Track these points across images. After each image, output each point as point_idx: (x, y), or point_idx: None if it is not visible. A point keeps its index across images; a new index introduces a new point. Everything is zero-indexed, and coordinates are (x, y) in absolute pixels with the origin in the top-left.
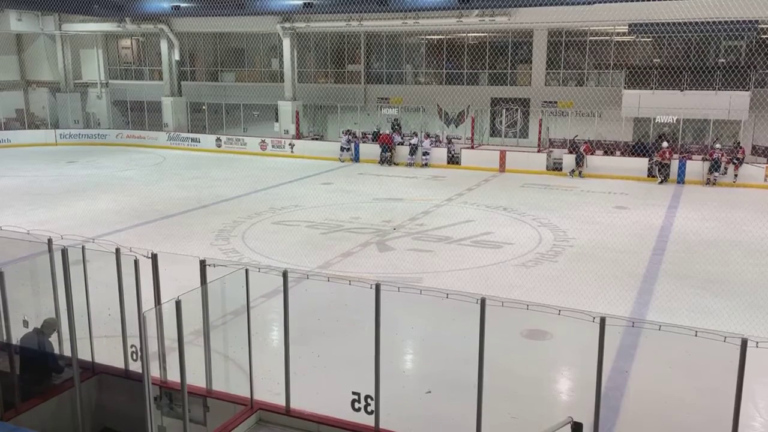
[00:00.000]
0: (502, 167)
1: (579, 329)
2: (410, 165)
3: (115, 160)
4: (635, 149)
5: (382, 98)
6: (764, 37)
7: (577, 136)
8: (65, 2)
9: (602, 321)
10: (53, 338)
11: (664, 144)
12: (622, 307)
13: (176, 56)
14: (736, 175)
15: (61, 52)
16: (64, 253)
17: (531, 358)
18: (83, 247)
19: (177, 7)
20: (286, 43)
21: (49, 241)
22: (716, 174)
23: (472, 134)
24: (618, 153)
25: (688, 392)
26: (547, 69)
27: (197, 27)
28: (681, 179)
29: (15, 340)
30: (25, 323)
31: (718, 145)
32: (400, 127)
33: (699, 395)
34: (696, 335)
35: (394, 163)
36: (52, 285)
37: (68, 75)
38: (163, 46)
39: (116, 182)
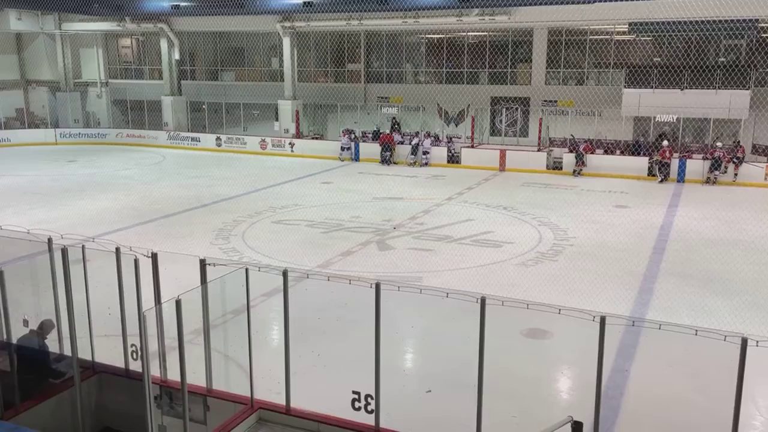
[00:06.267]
0: (502, 166)
1: (579, 328)
2: (412, 164)
3: (115, 160)
4: (635, 148)
5: (382, 97)
6: (764, 36)
7: (573, 136)
8: (65, 1)
9: (602, 320)
10: (52, 339)
11: (665, 143)
12: (622, 306)
13: (176, 55)
14: (736, 174)
15: (61, 52)
16: (64, 252)
17: (531, 357)
18: (83, 247)
19: (177, 6)
20: (286, 42)
21: (49, 240)
22: (716, 173)
23: (472, 133)
24: (618, 152)
25: (688, 391)
26: (547, 68)
27: (197, 26)
28: (681, 178)
29: (15, 339)
30: (25, 322)
31: (719, 144)
32: (399, 126)
33: (699, 394)
34: (696, 334)
35: (394, 162)
36: (52, 284)
37: (68, 74)
38: (163, 45)
39: (116, 181)
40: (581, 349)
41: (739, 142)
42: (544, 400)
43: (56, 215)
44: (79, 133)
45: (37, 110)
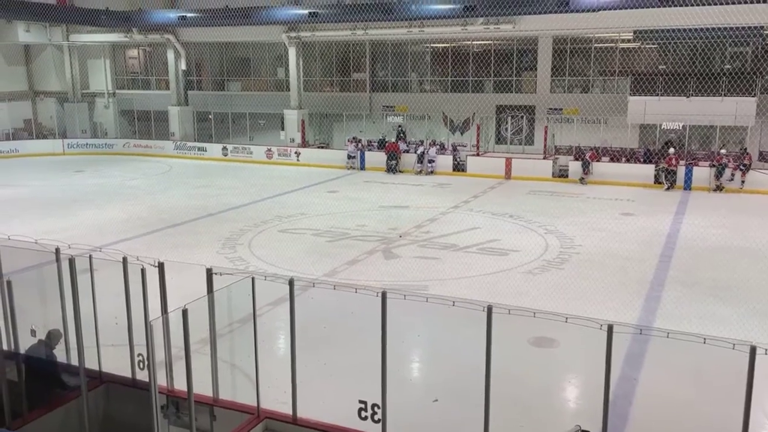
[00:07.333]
0: (508, 174)
1: (586, 337)
2: (418, 172)
3: (123, 170)
4: (645, 157)
5: (387, 106)
6: None
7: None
8: (73, 13)
9: (610, 328)
10: (59, 348)
11: (671, 150)
12: (629, 314)
13: (183, 66)
14: (743, 182)
15: (69, 63)
16: (72, 262)
17: (538, 365)
18: (90, 256)
19: (183, 17)
20: (292, 52)
21: (57, 250)
22: (721, 179)
23: (478, 141)
24: (624, 159)
25: (696, 400)
26: (552, 76)
27: (203, 37)
28: (688, 186)
29: (23, 349)
30: (33, 332)
31: (723, 151)
32: (405, 135)
33: (708, 403)
34: (704, 342)
35: (400, 171)
36: (60, 294)
37: (76, 85)
38: (170, 55)
39: (123, 191)
40: (588, 357)
41: (745, 149)
42: (552, 409)
43: (64, 225)
44: (87, 144)
45: (45, 121)
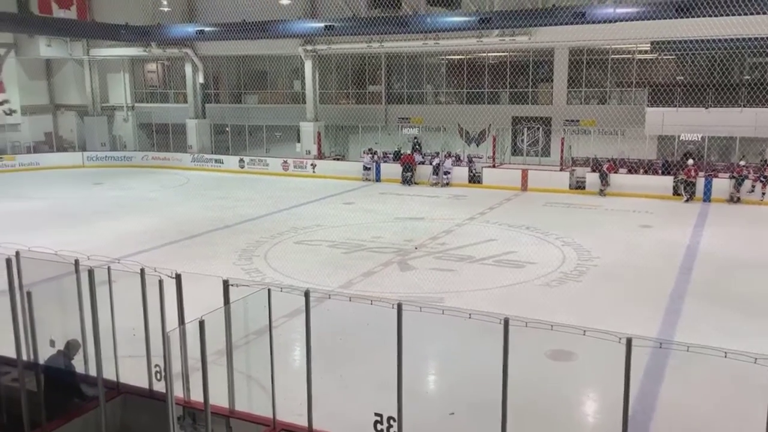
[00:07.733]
0: (524, 186)
1: (605, 350)
2: (434, 184)
3: (141, 182)
4: (664, 169)
5: (402, 118)
6: None
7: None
8: (93, 28)
9: (629, 342)
10: (78, 359)
11: (690, 162)
12: (648, 327)
13: (200, 79)
14: (763, 193)
15: (89, 77)
16: (91, 273)
17: (556, 379)
18: (109, 268)
19: (201, 32)
20: (308, 65)
21: (76, 261)
22: (742, 191)
23: (494, 153)
24: (642, 171)
25: (717, 415)
26: (568, 87)
27: (221, 50)
28: (707, 197)
29: (42, 359)
30: (52, 343)
31: (743, 162)
32: (421, 147)
33: (728, 418)
34: (725, 356)
35: (415, 183)
36: (79, 305)
37: (96, 99)
38: (188, 69)
39: (142, 203)
40: (607, 371)
41: (766, 160)
42: (571, 423)
43: (83, 237)
44: (106, 156)
45: (66, 134)
